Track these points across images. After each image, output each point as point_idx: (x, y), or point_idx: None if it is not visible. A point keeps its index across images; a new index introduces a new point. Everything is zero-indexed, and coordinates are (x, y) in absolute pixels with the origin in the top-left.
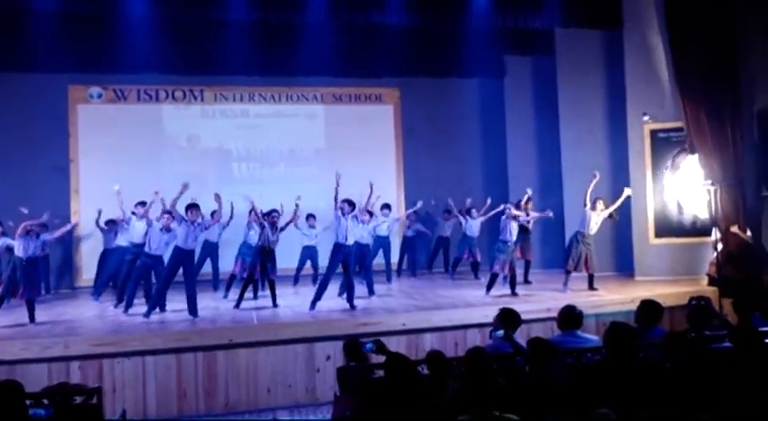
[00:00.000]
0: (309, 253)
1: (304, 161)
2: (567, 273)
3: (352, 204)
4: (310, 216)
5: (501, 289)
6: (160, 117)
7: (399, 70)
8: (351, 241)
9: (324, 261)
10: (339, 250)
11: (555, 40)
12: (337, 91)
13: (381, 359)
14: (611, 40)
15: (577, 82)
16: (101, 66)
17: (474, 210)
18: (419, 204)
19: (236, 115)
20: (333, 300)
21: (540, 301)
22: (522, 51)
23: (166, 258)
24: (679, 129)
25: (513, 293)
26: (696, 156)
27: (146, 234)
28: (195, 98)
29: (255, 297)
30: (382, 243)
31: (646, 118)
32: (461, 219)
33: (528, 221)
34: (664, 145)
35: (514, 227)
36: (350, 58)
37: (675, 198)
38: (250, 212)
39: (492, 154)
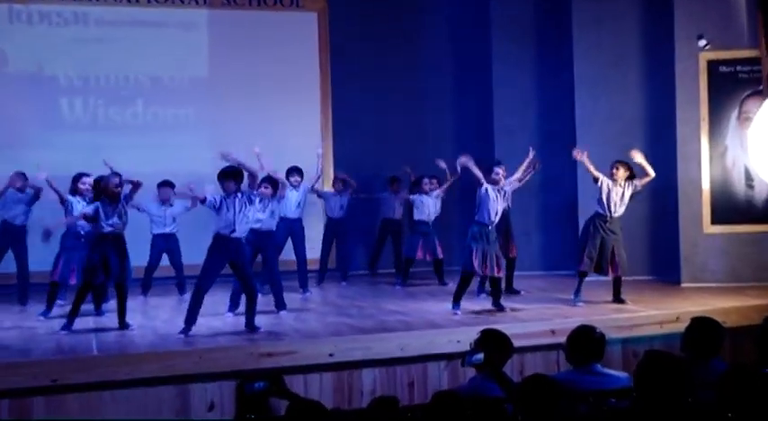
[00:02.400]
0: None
1: (175, 98)
2: (581, 276)
3: (273, 183)
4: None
5: (478, 300)
6: None
7: None
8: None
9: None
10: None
11: None
12: None
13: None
14: None
15: None
16: None
17: (428, 181)
18: (340, 184)
19: (66, 22)
20: (218, 317)
21: (539, 320)
22: None
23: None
24: (752, 61)
25: (498, 307)
26: None
27: None
28: None
29: (98, 310)
30: (291, 228)
31: (702, 43)
32: (411, 197)
33: (511, 186)
34: (728, 84)
35: (494, 200)
36: None
37: (743, 164)
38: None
39: (470, 94)
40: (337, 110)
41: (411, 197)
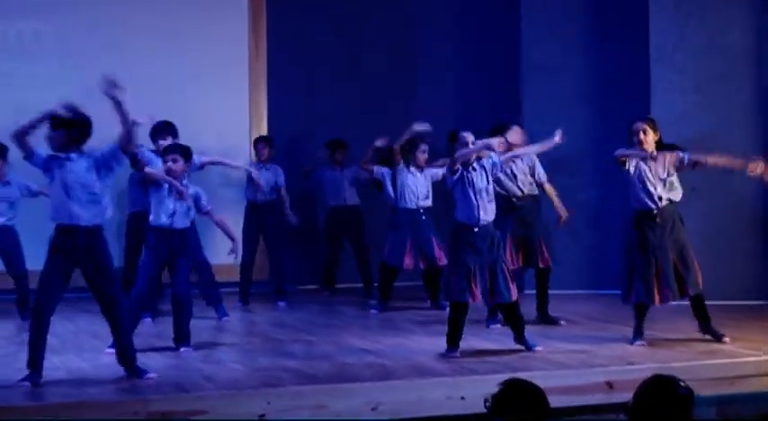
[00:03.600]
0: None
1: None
2: (639, 309)
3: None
4: None
5: (492, 334)
6: None
7: None
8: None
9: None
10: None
11: None
12: None
13: None
14: None
15: None
16: None
17: (425, 149)
18: (266, 148)
19: None
20: (89, 354)
21: (588, 365)
22: None
23: None
24: None
25: (523, 343)
26: None
27: None
28: None
29: None
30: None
31: None
32: (378, 170)
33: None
34: None
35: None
36: None
37: None
38: None
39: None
40: (273, 73)
41: (378, 170)
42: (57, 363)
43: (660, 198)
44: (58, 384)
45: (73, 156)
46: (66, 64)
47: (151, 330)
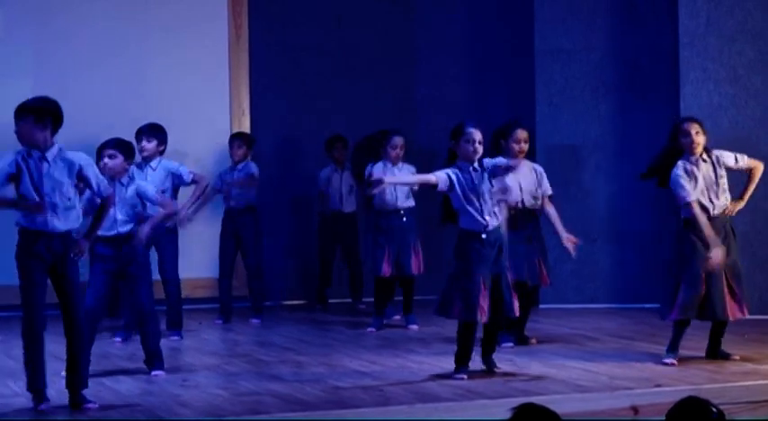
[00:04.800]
0: None
1: None
2: (679, 326)
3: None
4: None
5: (504, 351)
6: None
7: None
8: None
9: None
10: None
11: None
12: None
13: None
14: None
15: None
16: None
17: (398, 142)
18: (243, 147)
19: None
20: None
21: (610, 388)
22: None
23: None
24: None
25: (490, 365)
26: None
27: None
28: None
29: None
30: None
31: None
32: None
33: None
34: None
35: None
36: None
37: None
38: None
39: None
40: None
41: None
42: (16, 389)
43: (715, 206)
44: (20, 413)
45: (48, 155)
46: (38, 52)
47: (121, 352)
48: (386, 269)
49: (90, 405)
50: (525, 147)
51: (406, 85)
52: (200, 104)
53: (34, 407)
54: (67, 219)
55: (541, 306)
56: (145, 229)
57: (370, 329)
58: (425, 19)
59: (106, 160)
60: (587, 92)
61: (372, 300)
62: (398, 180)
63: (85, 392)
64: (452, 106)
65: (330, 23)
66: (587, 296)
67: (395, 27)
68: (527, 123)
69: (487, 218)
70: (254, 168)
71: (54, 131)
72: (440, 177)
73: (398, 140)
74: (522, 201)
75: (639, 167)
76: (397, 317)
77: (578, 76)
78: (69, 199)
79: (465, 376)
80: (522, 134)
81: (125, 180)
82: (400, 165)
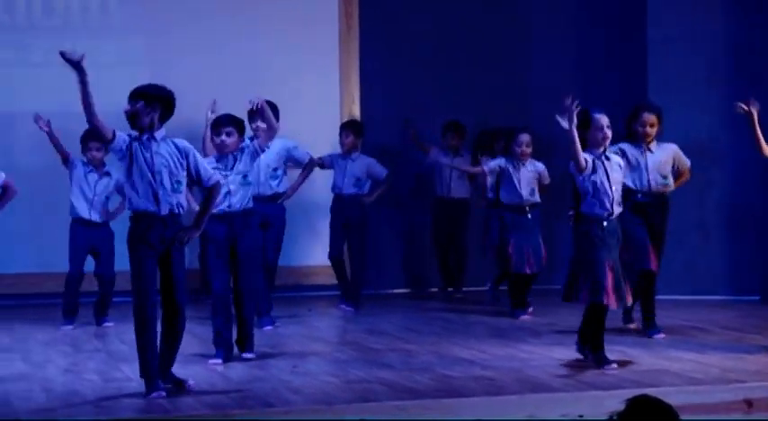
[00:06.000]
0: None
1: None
2: None
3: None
4: None
5: (612, 345)
6: None
7: None
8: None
9: None
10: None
11: None
12: None
13: None
14: None
15: None
16: None
17: (525, 139)
18: (351, 136)
19: None
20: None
21: (723, 381)
22: None
23: None
24: None
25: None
26: None
27: None
28: None
29: None
30: (270, 213)
31: None
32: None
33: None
34: None
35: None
36: None
37: None
38: None
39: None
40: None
41: (488, 165)
42: (129, 374)
43: None
44: (133, 397)
45: (157, 135)
46: (152, 42)
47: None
48: (528, 267)
49: (190, 382)
50: (651, 130)
51: (519, 72)
52: (310, 93)
53: (146, 393)
54: (174, 202)
55: (660, 296)
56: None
57: (523, 317)
58: (537, 6)
59: (224, 137)
60: (700, 80)
61: (464, 288)
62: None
63: (198, 377)
64: (564, 94)
65: (440, 12)
66: (699, 288)
67: (506, 15)
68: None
69: (615, 206)
70: (378, 168)
71: (163, 118)
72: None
73: (524, 138)
74: (649, 184)
75: (754, 156)
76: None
77: (691, 63)
78: (179, 182)
79: (615, 364)
80: (648, 117)
81: (238, 154)
82: (529, 162)
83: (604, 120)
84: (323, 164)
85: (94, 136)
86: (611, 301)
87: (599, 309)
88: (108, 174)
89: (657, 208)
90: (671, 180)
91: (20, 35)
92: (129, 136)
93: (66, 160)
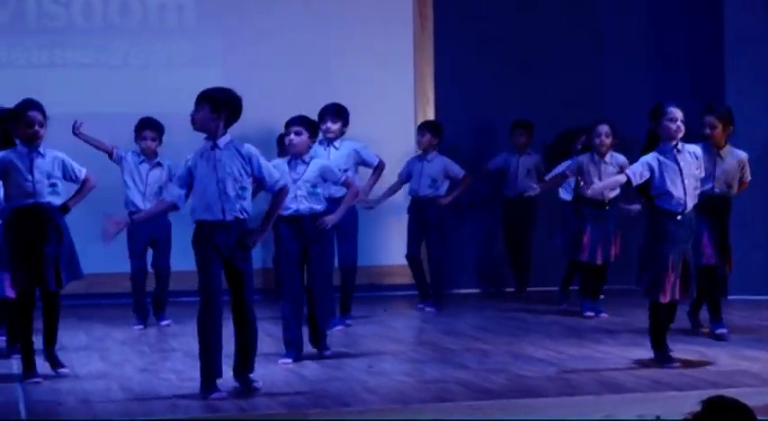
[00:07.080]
0: None
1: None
2: None
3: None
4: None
5: (689, 345)
6: None
7: None
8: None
9: None
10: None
11: None
12: None
13: None
14: None
15: None
16: None
17: (606, 131)
18: (428, 135)
19: None
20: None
21: None
22: None
23: None
24: None
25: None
26: None
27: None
28: None
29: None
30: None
31: None
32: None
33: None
34: None
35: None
36: None
37: None
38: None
39: None
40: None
41: (569, 164)
42: (194, 374)
43: None
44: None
45: (220, 142)
46: (217, 45)
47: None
48: (599, 257)
49: (257, 383)
50: (712, 132)
51: (592, 72)
52: (385, 93)
53: (203, 395)
54: (238, 208)
55: (730, 297)
56: (338, 212)
57: (588, 313)
58: (611, 6)
59: (292, 136)
60: None
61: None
62: (598, 190)
63: (274, 377)
64: (638, 95)
65: (513, 12)
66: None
67: (580, 15)
68: None
69: (688, 200)
70: (455, 168)
71: (228, 123)
72: (634, 172)
73: (603, 128)
74: (713, 187)
75: None
76: (604, 315)
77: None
78: (243, 188)
79: (677, 363)
80: (708, 119)
81: (307, 158)
82: (609, 156)
83: (678, 113)
84: (402, 180)
85: (149, 125)
86: (668, 297)
87: (657, 307)
88: (160, 164)
89: (718, 208)
90: (735, 189)
91: (97, 37)
92: (191, 153)
93: (111, 155)
